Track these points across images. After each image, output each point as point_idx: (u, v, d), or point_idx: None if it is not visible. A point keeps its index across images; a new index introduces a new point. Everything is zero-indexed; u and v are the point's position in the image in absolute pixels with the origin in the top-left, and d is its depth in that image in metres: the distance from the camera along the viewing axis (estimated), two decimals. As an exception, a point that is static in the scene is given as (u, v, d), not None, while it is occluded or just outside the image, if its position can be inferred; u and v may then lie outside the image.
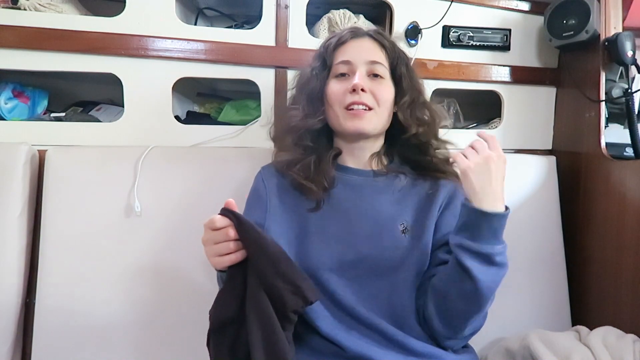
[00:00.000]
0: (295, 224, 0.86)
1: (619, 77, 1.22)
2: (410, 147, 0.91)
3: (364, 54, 0.86)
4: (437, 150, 0.93)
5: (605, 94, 1.21)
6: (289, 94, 0.98)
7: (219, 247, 0.68)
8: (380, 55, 0.87)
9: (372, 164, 0.92)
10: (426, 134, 0.90)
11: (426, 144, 0.91)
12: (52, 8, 1.06)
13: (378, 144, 0.92)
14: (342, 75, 0.87)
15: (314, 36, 1.19)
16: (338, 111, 0.86)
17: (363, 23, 1.22)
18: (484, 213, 0.72)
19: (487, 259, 0.73)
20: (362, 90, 0.84)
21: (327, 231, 0.85)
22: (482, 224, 0.73)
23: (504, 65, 1.31)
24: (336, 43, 0.88)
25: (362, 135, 0.88)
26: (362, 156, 0.92)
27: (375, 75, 0.87)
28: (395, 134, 0.93)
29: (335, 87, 0.87)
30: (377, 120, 0.87)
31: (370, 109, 0.85)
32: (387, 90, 0.87)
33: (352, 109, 0.85)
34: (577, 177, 1.28)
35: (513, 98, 1.34)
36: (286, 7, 1.15)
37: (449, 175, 0.90)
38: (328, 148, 0.91)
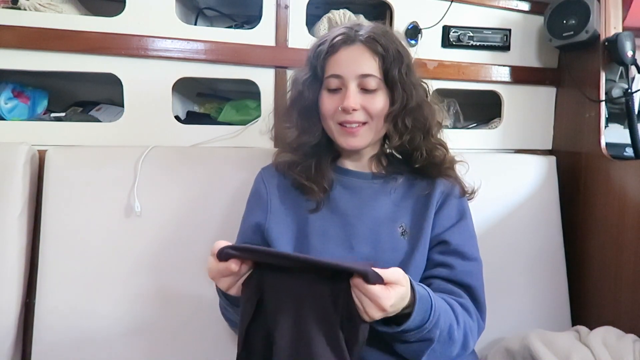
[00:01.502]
0: (295, 226, 0.87)
1: (619, 77, 1.22)
2: (408, 152, 0.90)
3: (355, 66, 0.82)
4: (437, 149, 0.90)
5: (605, 94, 1.21)
6: (288, 95, 0.97)
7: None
8: (372, 66, 0.82)
9: (371, 166, 0.92)
10: (413, 140, 0.87)
11: (420, 148, 0.88)
12: (52, 8, 1.06)
13: (376, 146, 0.91)
14: (334, 89, 0.85)
15: (314, 36, 1.19)
16: (332, 126, 0.86)
17: (363, 22, 1.22)
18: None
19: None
20: (354, 109, 0.82)
21: (327, 233, 0.85)
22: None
23: (504, 65, 1.31)
24: (327, 52, 0.84)
25: (357, 151, 0.89)
26: (361, 159, 0.91)
27: (367, 89, 0.83)
28: None
29: (327, 103, 0.85)
30: (370, 134, 0.86)
31: (363, 123, 0.84)
32: (379, 102, 0.84)
33: (345, 126, 0.84)
34: (577, 177, 1.28)
35: (513, 98, 1.34)
36: (286, 7, 1.15)
37: (443, 175, 0.90)
38: (328, 150, 0.91)
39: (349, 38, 0.84)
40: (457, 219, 0.88)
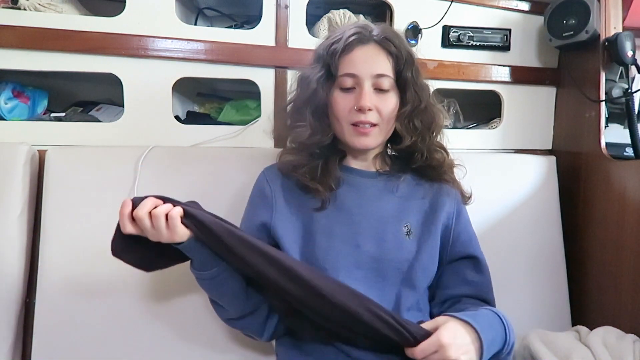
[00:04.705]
0: (300, 225, 0.86)
1: (619, 77, 1.22)
2: (410, 152, 0.90)
3: (370, 66, 0.82)
4: (437, 152, 0.91)
5: (605, 94, 1.21)
6: (290, 95, 0.97)
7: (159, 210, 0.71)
8: (386, 66, 0.83)
9: (375, 165, 0.92)
10: (423, 141, 0.88)
11: (422, 150, 0.89)
12: (52, 8, 1.06)
13: (381, 145, 0.92)
14: (347, 89, 0.84)
15: (314, 36, 1.19)
16: (344, 126, 0.85)
17: (364, 21, 1.22)
18: None
19: None
20: (369, 109, 0.82)
21: (332, 231, 0.84)
22: None
23: (504, 65, 1.31)
24: (342, 50, 0.83)
25: (368, 150, 0.89)
26: (366, 157, 0.92)
27: (381, 89, 0.84)
28: (397, 135, 0.92)
29: (341, 102, 0.84)
30: (381, 135, 0.86)
31: (375, 124, 0.84)
32: (391, 103, 0.84)
33: (358, 126, 0.84)
34: (577, 177, 1.28)
35: (513, 98, 1.34)
36: (286, 7, 1.15)
37: (443, 179, 0.91)
38: (334, 151, 0.90)
39: (364, 37, 0.84)
40: (472, 229, 0.92)
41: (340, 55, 0.84)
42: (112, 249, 0.75)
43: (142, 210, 0.70)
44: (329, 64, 0.85)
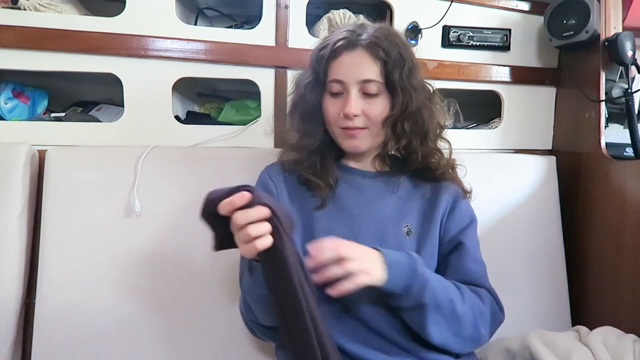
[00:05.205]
0: (301, 224, 0.87)
1: (619, 77, 1.22)
2: (407, 154, 0.89)
3: (356, 71, 0.82)
4: (433, 155, 0.90)
5: (605, 94, 1.21)
6: (289, 96, 0.98)
7: (254, 228, 0.64)
8: (373, 71, 0.82)
9: (375, 165, 0.92)
10: (410, 145, 0.87)
11: (412, 152, 0.88)
12: (52, 8, 1.06)
13: (380, 145, 0.91)
14: (336, 94, 0.85)
15: (314, 36, 1.19)
16: (335, 129, 0.87)
17: (363, 21, 1.22)
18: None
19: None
20: (355, 115, 0.83)
21: (332, 231, 0.84)
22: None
23: (504, 65, 1.31)
24: (329, 56, 0.84)
25: (359, 152, 0.89)
26: (364, 158, 0.92)
27: (369, 94, 0.84)
28: None
29: (330, 107, 0.86)
30: (371, 138, 0.86)
31: (364, 128, 0.85)
32: (379, 107, 0.84)
33: (347, 129, 0.85)
34: (577, 177, 1.28)
35: (513, 98, 1.34)
36: (286, 7, 1.15)
37: (442, 178, 0.91)
38: (331, 149, 0.91)
39: (351, 43, 0.83)
40: (469, 221, 0.90)
41: (327, 61, 0.84)
42: (203, 210, 0.68)
43: (243, 218, 0.64)
44: (318, 69, 0.86)
